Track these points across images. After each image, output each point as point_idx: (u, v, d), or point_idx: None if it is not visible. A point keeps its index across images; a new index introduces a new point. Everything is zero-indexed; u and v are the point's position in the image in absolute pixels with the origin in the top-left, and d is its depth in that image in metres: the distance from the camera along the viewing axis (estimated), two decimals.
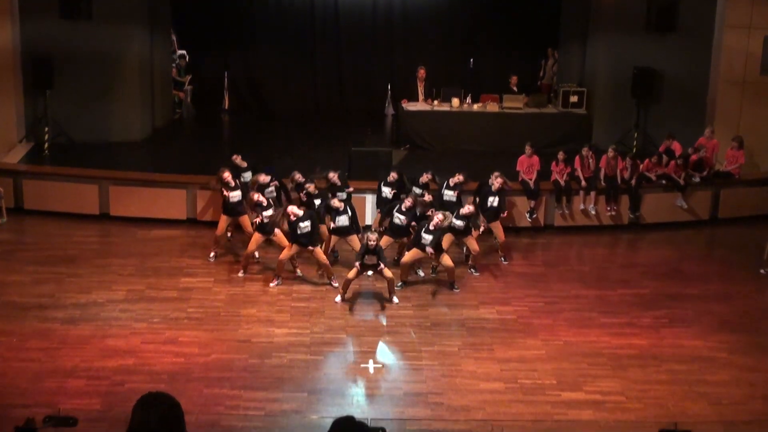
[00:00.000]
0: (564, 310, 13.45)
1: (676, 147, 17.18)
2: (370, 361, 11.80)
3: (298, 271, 14.24)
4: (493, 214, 14.84)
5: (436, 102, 19.63)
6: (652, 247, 16.23)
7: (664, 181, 16.85)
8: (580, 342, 12.46)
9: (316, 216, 13.86)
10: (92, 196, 16.18)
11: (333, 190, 14.73)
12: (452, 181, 15.01)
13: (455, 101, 19.43)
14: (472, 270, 14.58)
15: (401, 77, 21.52)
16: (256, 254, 14.55)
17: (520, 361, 11.92)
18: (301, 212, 13.57)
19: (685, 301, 13.86)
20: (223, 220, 14.67)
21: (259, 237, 13.95)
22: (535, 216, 16.43)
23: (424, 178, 15.07)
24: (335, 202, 14.03)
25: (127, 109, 18.85)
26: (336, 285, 13.89)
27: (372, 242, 13.10)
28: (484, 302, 13.65)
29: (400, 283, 13.92)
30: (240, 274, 14.18)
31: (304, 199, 14.56)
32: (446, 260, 13.71)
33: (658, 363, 11.96)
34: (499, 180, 14.79)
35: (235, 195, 14.57)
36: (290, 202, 14.66)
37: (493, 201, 14.83)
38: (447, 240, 14.00)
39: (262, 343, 12.19)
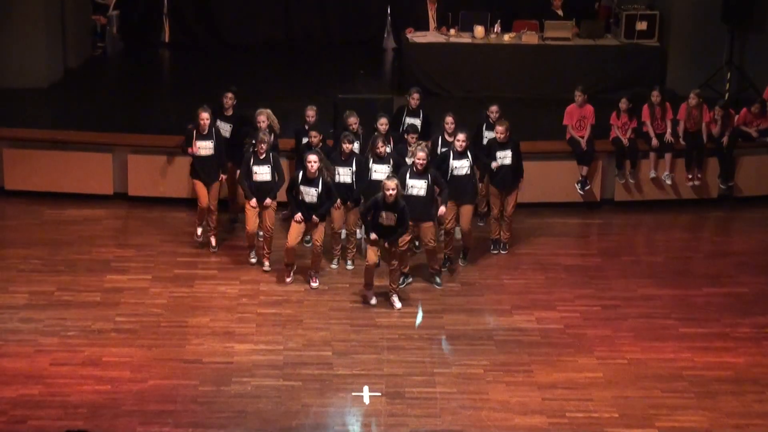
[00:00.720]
0: (629, 317, 13.44)
1: None
2: (365, 387, 11.77)
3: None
4: (509, 177, 14.76)
5: (452, 31, 19.55)
6: (751, 230, 16.22)
7: None
8: (652, 360, 12.44)
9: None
10: None
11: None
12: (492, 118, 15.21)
13: (479, 30, 19.36)
14: (460, 261, 14.74)
15: None
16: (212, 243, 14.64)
17: (569, 387, 11.89)
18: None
19: None
20: (200, 187, 14.72)
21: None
22: (588, 187, 16.41)
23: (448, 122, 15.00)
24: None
25: (26, 44, 18.75)
26: (315, 285, 13.96)
27: (391, 191, 12.96)
28: (519, 306, 13.64)
29: (410, 279, 14.12)
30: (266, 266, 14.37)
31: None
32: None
33: (760, 389, 11.94)
34: (501, 129, 14.62)
35: (206, 146, 14.66)
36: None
37: (504, 157, 14.73)
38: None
39: (217, 364, 12.15)
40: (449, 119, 14.94)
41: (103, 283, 13.84)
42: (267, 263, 14.33)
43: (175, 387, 11.67)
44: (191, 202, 15.47)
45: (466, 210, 14.39)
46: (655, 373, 12.18)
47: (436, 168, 13.97)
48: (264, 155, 14.11)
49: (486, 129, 15.33)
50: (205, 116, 14.62)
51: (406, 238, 13.51)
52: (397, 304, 13.50)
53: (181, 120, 15.53)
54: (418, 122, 15.39)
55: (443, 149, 14.60)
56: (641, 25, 19.49)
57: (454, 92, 19.15)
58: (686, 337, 12.98)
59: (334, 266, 14.55)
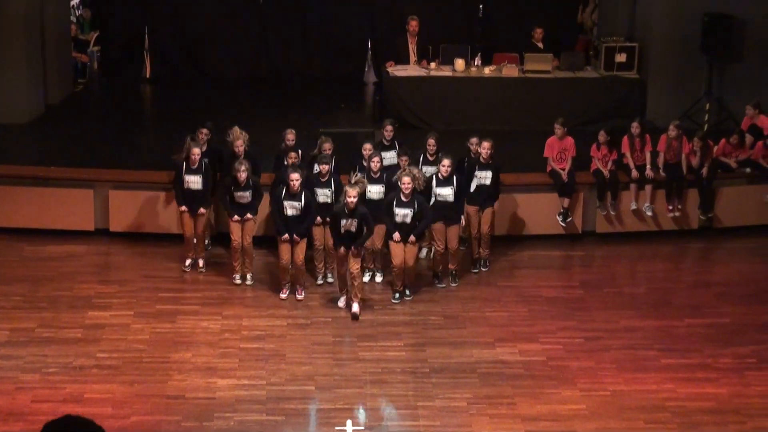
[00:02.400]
0: (611, 348, 13.46)
1: (764, 122, 17.24)
2: (348, 422, 11.75)
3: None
4: (487, 195, 15.19)
5: (433, 65, 19.63)
6: (732, 260, 16.29)
7: (747, 169, 16.92)
8: (635, 392, 12.45)
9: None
10: None
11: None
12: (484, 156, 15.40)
13: (459, 63, 19.44)
14: (451, 278, 14.94)
15: (386, 31, 21.49)
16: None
17: (553, 419, 11.89)
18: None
19: None
20: (186, 217, 15.02)
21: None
22: (570, 219, 16.46)
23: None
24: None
25: (7, 80, 18.76)
26: (300, 297, 14.38)
27: (351, 198, 13.67)
28: (502, 339, 13.66)
29: (398, 294, 14.44)
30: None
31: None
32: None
33: (742, 420, 11.96)
34: (487, 145, 15.07)
35: (195, 180, 14.97)
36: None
37: (485, 177, 15.11)
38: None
39: (200, 399, 12.13)
40: (431, 141, 15.40)
41: (84, 320, 13.81)
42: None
43: (158, 423, 11.66)
44: (174, 237, 15.46)
45: (452, 231, 14.80)
46: (638, 404, 12.20)
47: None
48: (245, 183, 14.56)
49: (478, 169, 15.38)
50: (196, 152, 14.84)
51: (377, 243, 14.37)
52: (354, 308, 13.93)
53: (163, 155, 15.57)
54: (394, 154, 15.52)
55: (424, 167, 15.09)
56: (621, 57, 19.59)
57: (435, 125, 19.12)
58: (668, 368, 13.01)
59: (320, 282, 14.93)
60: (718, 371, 12.95)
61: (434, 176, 14.72)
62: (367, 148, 15.23)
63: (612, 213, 16.64)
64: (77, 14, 21.49)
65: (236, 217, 14.63)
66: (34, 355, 12.91)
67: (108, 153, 17.42)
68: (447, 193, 14.65)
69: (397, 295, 14.50)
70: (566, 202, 16.36)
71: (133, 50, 21.86)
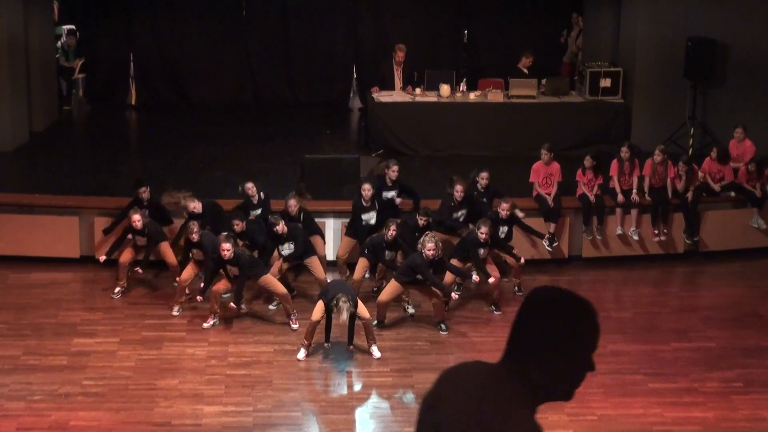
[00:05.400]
0: (598, 373, 13.18)
1: (747, 147, 17.30)
2: None
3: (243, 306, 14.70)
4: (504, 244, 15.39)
5: (418, 90, 19.67)
6: (717, 284, 16.33)
7: (732, 193, 16.98)
8: (622, 416, 12.47)
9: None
10: None
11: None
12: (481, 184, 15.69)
13: (445, 89, 19.48)
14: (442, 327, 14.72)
15: (371, 57, 21.55)
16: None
17: None
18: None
19: (765, 357, 13.93)
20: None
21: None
22: (555, 244, 16.48)
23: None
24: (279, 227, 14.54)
25: None
26: (295, 327, 14.21)
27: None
28: None
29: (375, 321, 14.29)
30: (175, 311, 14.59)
31: None
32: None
33: None
34: (506, 205, 15.24)
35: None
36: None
37: (502, 232, 15.29)
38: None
39: (186, 427, 12.11)
40: (395, 167, 15.65)
41: (70, 347, 13.78)
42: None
43: None
44: (160, 264, 15.45)
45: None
46: (625, 428, 12.21)
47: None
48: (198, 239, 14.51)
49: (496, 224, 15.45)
50: (136, 218, 14.83)
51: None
52: (375, 353, 13.63)
53: (148, 182, 15.57)
54: (394, 194, 15.65)
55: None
56: (605, 82, 19.67)
57: (420, 151, 19.23)
58: (655, 392, 13.02)
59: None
60: (704, 395, 12.97)
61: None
62: (366, 188, 15.28)
63: (598, 237, 16.67)
64: (62, 40, 21.49)
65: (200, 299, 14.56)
66: (19, 382, 12.87)
67: (93, 180, 17.41)
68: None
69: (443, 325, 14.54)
70: (552, 227, 16.38)
71: (118, 77, 21.87)
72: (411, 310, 14.88)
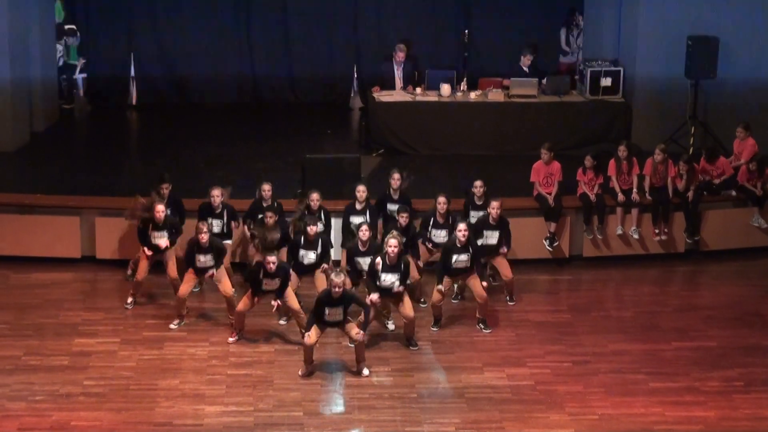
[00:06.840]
0: (599, 372, 13.47)
1: (749, 145, 17.28)
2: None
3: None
4: (489, 250, 14.95)
5: (419, 90, 19.68)
6: (718, 283, 16.33)
7: (733, 193, 16.97)
8: (623, 416, 12.46)
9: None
10: None
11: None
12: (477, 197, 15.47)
13: (445, 88, 19.48)
14: (480, 325, 14.65)
15: (371, 57, 21.54)
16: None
17: None
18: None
19: (766, 356, 13.92)
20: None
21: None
22: (556, 244, 16.48)
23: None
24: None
25: None
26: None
27: (337, 289, 13.10)
28: (489, 363, 13.66)
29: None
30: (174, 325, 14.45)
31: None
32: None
33: None
34: (496, 204, 14.83)
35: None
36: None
37: (491, 237, 14.93)
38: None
39: (187, 427, 12.09)
40: (396, 175, 15.44)
41: (71, 347, 13.77)
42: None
43: None
44: (160, 265, 15.47)
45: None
46: (626, 428, 12.20)
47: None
48: (208, 245, 14.30)
49: (472, 209, 15.45)
50: (160, 209, 14.66)
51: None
52: (364, 372, 13.36)
53: (149, 182, 15.55)
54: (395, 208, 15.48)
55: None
56: (606, 82, 19.66)
57: (421, 150, 19.22)
58: (656, 391, 13.01)
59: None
60: (705, 394, 12.96)
61: (453, 245, 14.24)
62: (361, 190, 15.20)
63: (599, 237, 16.66)
64: (63, 39, 21.46)
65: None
66: (20, 383, 12.86)
67: (94, 180, 17.40)
68: (464, 259, 14.22)
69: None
70: (553, 226, 16.38)
71: (119, 76, 21.85)
72: (391, 327, 14.50)
